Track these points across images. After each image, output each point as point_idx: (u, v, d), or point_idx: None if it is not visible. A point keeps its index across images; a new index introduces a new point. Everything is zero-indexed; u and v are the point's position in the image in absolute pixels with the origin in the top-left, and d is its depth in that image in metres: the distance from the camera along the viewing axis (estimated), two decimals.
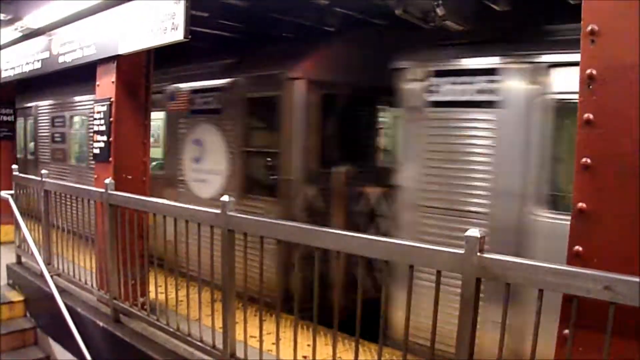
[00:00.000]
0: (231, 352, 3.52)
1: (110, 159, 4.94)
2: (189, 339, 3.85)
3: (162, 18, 4.17)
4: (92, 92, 5.85)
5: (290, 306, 3.38)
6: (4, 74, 7.35)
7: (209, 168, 6.20)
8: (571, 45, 2.57)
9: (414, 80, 4.19)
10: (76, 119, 9.01)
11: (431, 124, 4.11)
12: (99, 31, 5.12)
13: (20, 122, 10.78)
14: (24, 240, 6.09)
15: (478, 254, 2.22)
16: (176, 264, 3.95)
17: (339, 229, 3.30)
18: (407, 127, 4.35)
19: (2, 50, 7.22)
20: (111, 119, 4.93)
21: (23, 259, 6.56)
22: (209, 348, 3.67)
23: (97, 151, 5.16)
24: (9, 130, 8.79)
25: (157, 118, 7.23)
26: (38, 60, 6.35)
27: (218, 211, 3.44)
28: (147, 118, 5.12)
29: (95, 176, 5.18)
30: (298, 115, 5.30)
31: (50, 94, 9.53)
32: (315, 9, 4.89)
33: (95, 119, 5.18)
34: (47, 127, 9.73)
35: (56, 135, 9.38)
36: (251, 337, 3.51)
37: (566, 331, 2.06)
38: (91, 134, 6.77)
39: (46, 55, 6.15)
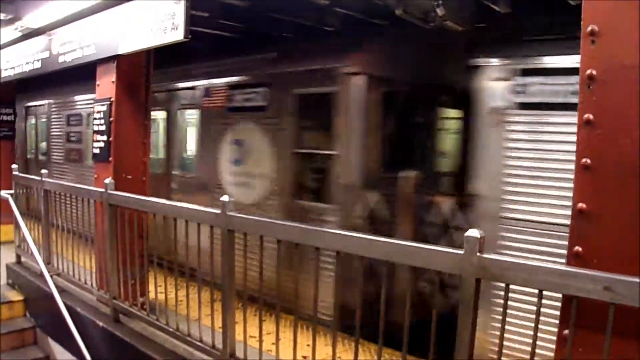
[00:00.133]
0: (231, 352, 3.52)
1: (110, 158, 4.94)
2: (189, 338, 3.85)
3: (162, 18, 4.17)
4: None
5: (346, 324, 3.09)
6: (4, 74, 7.35)
7: (251, 171, 5.76)
8: None
9: (497, 80, 3.80)
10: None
11: (516, 127, 3.71)
12: (99, 31, 5.12)
13: (31, 120, 10.61)
14: (24, 239, 6.08)
15: (478, 254, 2.22)
16: (180, 264, 3.95)
17: (406, 239, 2.92)
18: (487, 130, 3.88)
19: (2, 50, 7.23)
20: (111, 119, 4.93)
21: (23, 259, 6.56)
22: (208, 348, 3.67)
23: (96, 151, 5.16)
24: (9, 130, 8.78)
25: (191, 116, 7.00)
26: (38, 60, 6.35)
27: (218, 211, 3.44)
28: (147, 118, 5.12)
29: (95, 176, 5.18)
30: (357, 114, 4.86)
31: (66, 91, 9.02)
32: (315, 9, 4.89)
33: (95, 118, 5.18)
34: (61, 126, 9.28)
35: (72, 134, 8.96)
36: (251, 337, 3.51)
37: (566, 331, 2.06)
38: None
39: (46, 55, 6.15)
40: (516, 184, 3.69)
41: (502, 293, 2.25)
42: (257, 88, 5.67)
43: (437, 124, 6.04)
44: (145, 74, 5.08)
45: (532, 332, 2.19)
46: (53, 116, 9.60)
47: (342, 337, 4.38)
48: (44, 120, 10.09)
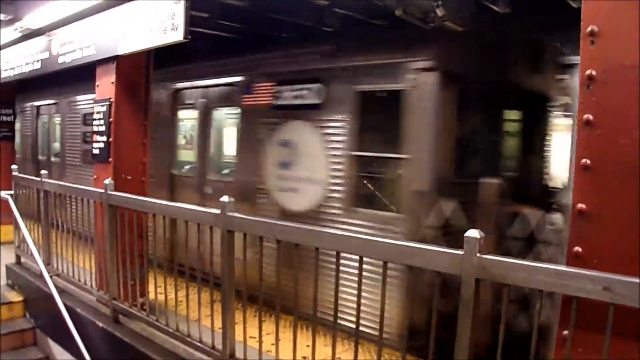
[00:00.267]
0: (230, 353, 3.52)
1: (110, 159, 4.94)
2: (189, 339, 3.85)
3: (162, 18, 4.17)
4: None
5: (414, 345, 2.83)
6: (4, 74, 7.35)
7: (302, 175, 5.22)
8: None
9: None
10: None
11: None
12: (99, 31, 5.12)
13: (43, 119, 10.28)
14: (24, 240, 6.08)
15: (478, 254, 2.22)
16: (180, 265, 3.95)
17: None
18: None
19: (2, 51, 7.23)
20: (111, 120, 4.93)
21: (22, 259, 6.56)
22: (208, 348, 3.67)
23: (96, 151, 5.16)
24: (9, 130, 8.78)
25: (228, 115, 6.58)
26: (38, 61, 6.35)
27: (218, 211, 3.44)
28: (147, 118, 5.12)
29: (95, 177, 5.18)
30: (430, 114, 4.39)
31: (83, 88, 8.11)
32: (315, 10, 4.89)
33: (95, 119, 5.18)
34: (77, 126, 8.71)
35: (89, 134, 8.00)
36: (251, 337, 3.51)
37: (565, 332, 2.06)
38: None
39: (46, 55, 6.15)
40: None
41: None
42: (309, 84, 5.16)
43: (519, 126, 5.57)
44: (145, 75, 5.08)
45: None
46: (68, 115, 9.12)
47: (342, 337, 4.37)
48: (57, 119, 9.65)
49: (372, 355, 4.36)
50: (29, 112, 10.79)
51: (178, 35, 4.02)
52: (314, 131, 5.12)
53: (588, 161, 2.04)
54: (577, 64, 3.13)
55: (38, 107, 10.40)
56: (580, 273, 1.95)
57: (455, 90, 4.52)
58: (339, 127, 4.92)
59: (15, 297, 6.27)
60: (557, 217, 4.19)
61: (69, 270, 5.46)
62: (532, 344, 2.18)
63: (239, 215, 3.41)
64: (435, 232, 4.34)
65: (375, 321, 2.99)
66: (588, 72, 2.04)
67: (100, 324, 4.73)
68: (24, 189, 6.29)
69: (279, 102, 5.44)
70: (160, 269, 4.26)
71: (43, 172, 5.90)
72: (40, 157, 10.41)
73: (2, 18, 6.46)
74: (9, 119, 8.76)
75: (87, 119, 8.14)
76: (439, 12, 3.86)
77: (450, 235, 4.26)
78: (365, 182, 4.88)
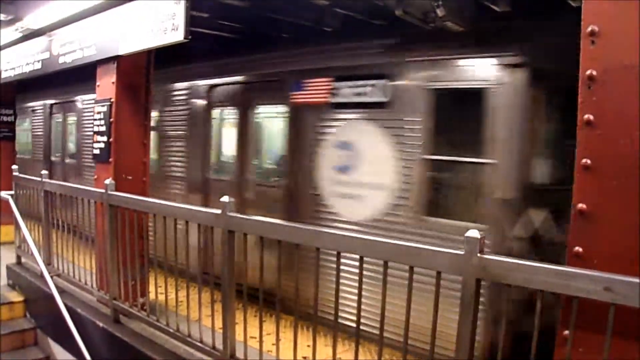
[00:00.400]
0: (231, 353, 3.52)
1: (111, 159, 4.95)
2: (189, 339, 3.85)
3: (162, 18, 4.17)
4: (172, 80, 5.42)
5: None
6: (4, 75, 7.35)
7: (364, 180, 4.77)
8: None
9: None
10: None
11: None
12: (99, 32, 5.12)
13: (56, 119, 9.90)
14: (24, 240, 6.08)
15: (478, 254, 2.23)
16: (180, 265, 3.95)
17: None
18: None
19: (3, 51, 7.23)
20: (111, 120, 4.94)
21: (23, 260, 6.56)
22: (208, 349, 3.67)
23: (97, 152, 5.16)
24: (9, 130, 8.78)
25: (274, 113, 5.97)
26: (38, 61, 6.35)
27: (218, 211, 3.44)
28: (147, 119, 5.13)
29: (95, 177, 5.19)
30: (519, 114, 4.01)
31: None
32: (315, 10, 4.88)
33: (96, 119, 5.18)
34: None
35: None
36: (251, 337, 3.52)
37: (566, 332, 2.06)
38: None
39: (46, 55, 6.15)
40: None
41: None
42: (372, 80, 4.69)
43: None
44: (145, 75, 5.09)
45: None
46: (85, 114, 8.65)
47: (343, 338, 4.37)
48: (72, 118, 9.33)
49: (372, 355, 4.37)
50: (40, 111, 10.38)
51: (178, 36, 4.02)
52: (379, 132, 4.66)
53: (588, 161, 2.04)
54: None
55: (51, 105, 10.01)
56: (581, 273, 1.95)
57: (546, 88, 4.11)
58: (408, 127, 4.48)
59: (15, 297, 6.27)
60: None
61: (70, 271, 5.47)
62: (533, 344, 2.19)
63: (239, 215, 3.41)
64: (523, 245, 3.98)
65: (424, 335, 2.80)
66: (588, 72, 2.04)
67: (101, 324, 4.73)
68: (24, 189, 6.29)
69: (337, 100, 4.98)
70: (161, 269, 4.26)
71: (43, 172, 5.90)
72: (53, 158, 10.05)
73: (2, 18, 6.46)
74: (10, 119, 8.76)
75: None
76: (439, 12, 3.86)
77: (541, 247, 3.95)
78: (437, 188, 4.45)
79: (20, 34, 6.54)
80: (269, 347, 3.50)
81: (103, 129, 5.06)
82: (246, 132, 6.16)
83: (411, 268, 2.54)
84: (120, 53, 4.80)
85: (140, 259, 4.42)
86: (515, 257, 2.23)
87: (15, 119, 8.85)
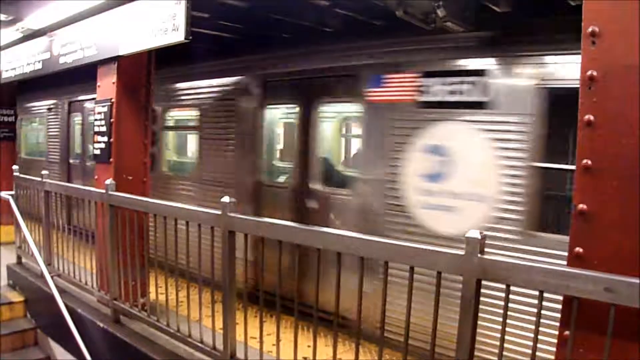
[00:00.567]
0: (231, 353, 3.52)
1: (111, 159, 4.95)
2: (189, 339, 3.85)
3: (163, 19, 4.17)
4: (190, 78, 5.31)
5: None
6: (5, 75, 7.35)
7: (460, 190, 4.20)
8: None
9: None
10: (173, 113, 7.04)
11: None
12: (100, 32, 5.12)
13: (76, 118, 9.36)
14: (25, 240, 6.09)
15: (479, 255, 2.23)
16: (180, 265, 3.95)
17: None
18: None
19: (3, 51, 7.23)
20: (112, 120, 4.94)
21: (23, 260, 6.57)
22: (209, 349, 3.67)
23: (97, 152, 5.17)
24: (10, 131, 8.78)
25: (343, 111, 5.54)
26: (39, 61, 6.35)
27: (218, 212, 3.44)
28: (148, 119, 5.13)
29: (96, 177, 5.19)
30: None
31: None
32: (315, 10, 4.88)
33: (96, 119, 5.19)
34: None
35: None
36: (251, 338, 3.52)
37: (567, 332, 2.06)
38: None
39: (47, 56, 6.16)
40: None
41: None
42: (468, 77, 4.20)
43: None
44: (146, 75, 5.09)
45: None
46: None
47: (343, 338, 4.38)
48: (92, 119, 8.43)
49: (372, 355, 4.37)
50: (58, 109, 9.73)
51: (179, 36, 4.02)
52: (478, 135, 4.12)
53: (589, 162, 2.04)
54: None
55: (70, 103, 9.34)
56: (581, 274, 1.96)
57: None
58: (515, 131, 3.94)
59: (16, 297, 6.27)
60: None
61: (70, 271, 5.47)
62: (533, 344, 2.19)
63: (239, 215, 3.41)
64: None
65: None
66: (589, 72, 2.03)
67: (101, 325, 4.73)
68: (25, 189, 6.30)
69: (427, 99, 4.43)
70: (161, 269, 4.26)
71: (44, 172, 5.90)
72: (71, 161, 9.41)
73: (3, 19, 6.47)
74: (10, 119, 8.77)
75: None
76: (440, 12, 3.85)
77: None
78: (554, 199, 4.04)
79: (21, 35, 6.54)
80: (269, 348, 3.51)
81: (103, 129, 5.06)
82: (308, 131, 5.50)
83: (412, 268, 2.54)
84: (121, 53, 4.80)
85: (140, 259, 4.43)
86: None
87: (15, 119, 8.86)
